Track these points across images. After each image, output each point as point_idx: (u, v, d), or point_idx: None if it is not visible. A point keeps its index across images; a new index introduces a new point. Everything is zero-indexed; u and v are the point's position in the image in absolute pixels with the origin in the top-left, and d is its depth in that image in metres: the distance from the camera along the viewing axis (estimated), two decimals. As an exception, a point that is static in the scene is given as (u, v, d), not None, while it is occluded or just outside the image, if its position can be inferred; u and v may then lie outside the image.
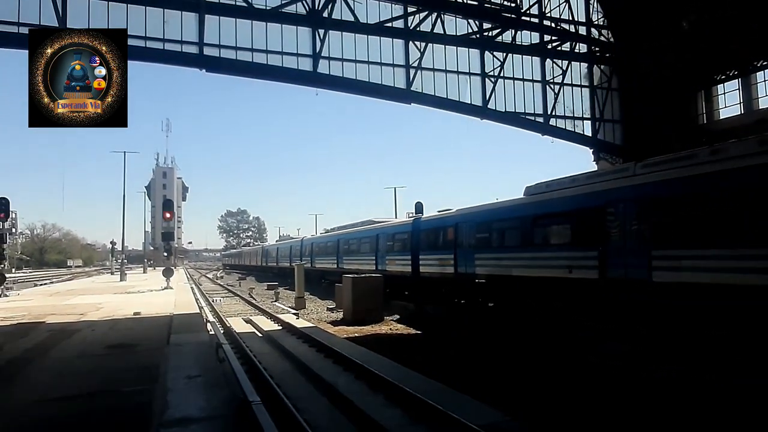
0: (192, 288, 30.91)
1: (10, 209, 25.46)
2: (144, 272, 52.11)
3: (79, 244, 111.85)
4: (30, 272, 64.10)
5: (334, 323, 17.51)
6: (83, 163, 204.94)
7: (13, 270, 59.16)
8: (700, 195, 9.83)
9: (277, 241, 63.83)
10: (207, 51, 18.83)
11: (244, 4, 19.08)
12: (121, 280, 34.53)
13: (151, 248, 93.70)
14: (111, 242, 50.75)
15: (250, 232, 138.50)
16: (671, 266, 10.03)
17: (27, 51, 8.20)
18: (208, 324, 14.97)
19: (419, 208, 29.12)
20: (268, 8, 19.52)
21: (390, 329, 16.22)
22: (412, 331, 15.85)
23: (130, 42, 17.35)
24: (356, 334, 14.98)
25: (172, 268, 31.16)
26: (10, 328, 11.82)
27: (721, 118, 22.11)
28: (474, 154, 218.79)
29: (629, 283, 10.86)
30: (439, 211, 20.73)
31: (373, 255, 24.89)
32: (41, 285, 34.63)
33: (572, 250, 12.64)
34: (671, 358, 9.51)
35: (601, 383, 8.81)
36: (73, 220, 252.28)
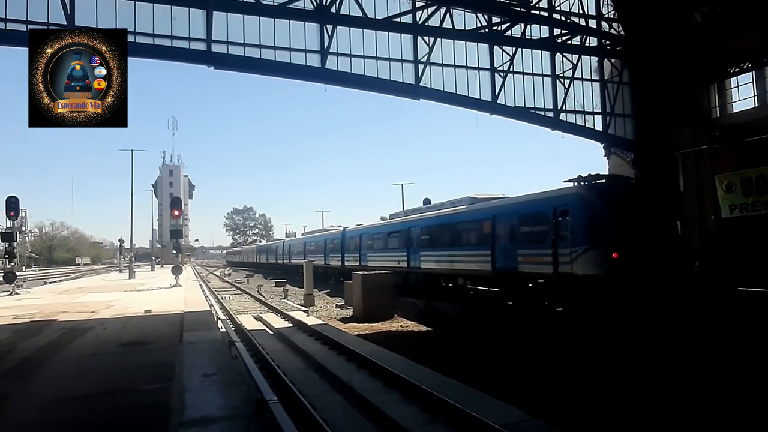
0: (200, 285, 30.95)
1: (20, 207, 25.67)
2: (152, 270, 52.38)
3: (87, 242, 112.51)
4: (39, 270, 64.54)
5: (344, 320, 17.46)
6: (91, 161, 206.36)
7: (23, 268, 59.59)
8: (426, 227, 21.25)
9: (269, 240, 74.71)
10: (215, 48, 18.70)
11: (252, 0, 18.97)
12: (129, 278, 34.69)
13: (159, 246, 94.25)
14: (119, 240, 51.07)
15: (257, 230, 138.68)
16: (429, 260, 20.68)
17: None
18: (219, 321, 14.94)
19: (427, 203, 29.08)
20: (275, 4, 19.35)
21: (401, 326, 16.16)
22: (423, 327, 15.77)
23: (138, 39, 17.52)
24: (367, 331, 14.92)
25: (181, 265, 31.23)
26: (23, 326, 11.84)
27: (734, 111, 21.76)
28: (485, 148, 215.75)
29: (414, 268, 21.74)
30: (356, 225, 32.26)
31: (323, 254, 35.05)
32: (51, 283, 34.79)
33: (399, 252, 23.03)
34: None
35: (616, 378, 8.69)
36: (81, 218, 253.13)
